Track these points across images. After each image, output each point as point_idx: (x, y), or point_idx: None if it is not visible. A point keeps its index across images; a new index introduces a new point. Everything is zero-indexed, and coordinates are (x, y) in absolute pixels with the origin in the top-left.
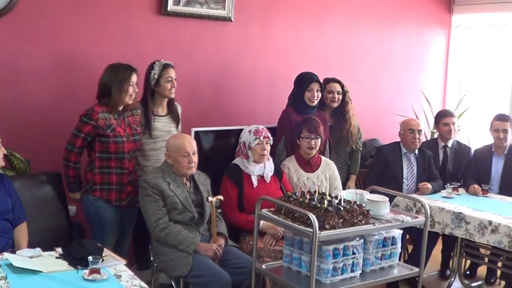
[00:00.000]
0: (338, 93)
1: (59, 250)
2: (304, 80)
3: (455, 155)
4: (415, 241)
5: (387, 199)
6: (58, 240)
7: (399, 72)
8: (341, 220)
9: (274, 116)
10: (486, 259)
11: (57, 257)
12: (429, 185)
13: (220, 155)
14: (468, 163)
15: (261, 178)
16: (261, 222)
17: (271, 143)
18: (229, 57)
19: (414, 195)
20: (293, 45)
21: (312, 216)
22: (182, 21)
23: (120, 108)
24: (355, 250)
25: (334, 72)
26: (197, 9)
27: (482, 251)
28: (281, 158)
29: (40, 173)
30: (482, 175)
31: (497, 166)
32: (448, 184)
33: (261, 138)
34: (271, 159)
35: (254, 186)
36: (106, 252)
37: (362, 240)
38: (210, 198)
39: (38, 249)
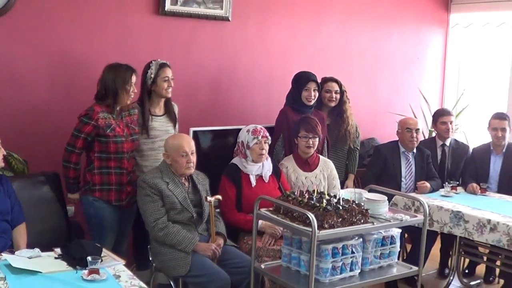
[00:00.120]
0: (336, 93)
1: (58, 250)
2: (301, 80)
3: (453, 153)
4: (414, 240)
5: (386, 198)
6: (57, 240)
7: (397, 71)
8: (340, 219)
9: (272, 116)
10: (485, 258)
11: (56, 258)
12: (427, 184)
13: (218, 154)
14: (467, 161)
15: (259, 177)
16: (260, 221)
17: (270, 142)
18: (226, 57)
19: (413, 194)
20: (291, 44)
21: (311, 215)
22: (180, 21)
23: (118, 108)
24: (354, 249)
25: (331, 71)
26: (194, 9)
27: (481, 249)
28: (279, 158)
29: (38, 174)
30: (481, 173)
31: (496, 164)
32: (446, 183)
33: (260, 137)
34: (269, 159)
35: (253, 185)
36: (105, 252)
37: (361, 239)
38: (208, 198)
39: (37, 250)
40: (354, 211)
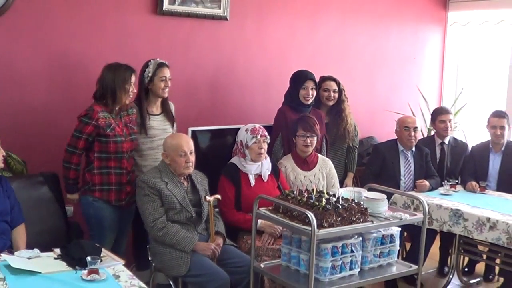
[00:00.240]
0: (334, 91)
1: (57, 250)
2: (298, 78)
3: (452, 152)
4: (413, 239)
5: (385, 196)
6: (56, 240)
7: (395, 70)
8: (339, 218)
9: (271, 115)
10: (484, 256)
11: (55, 258)
12: (426, 182)
13: (217, 154)
14: (465, 160)
15: (258, 177)
16: (259, 221)
17: (268, 141)
18: (225, 56)
19: (412, 193)
20: (289, 43)
21: (310, 215)
22: (178, 20)
23: (117, 108)
24: (353, 248)
25: (330, 70)
26: (192, 8)
27: (480, 248)
28: (278, 157)
29: (37, 174)
30: (480, 172)
31: (495, 162)
32: (445, 181)
33: (258, 136)
34: (268, 158)
35: (252, 185)
36: (105, 252)
37: (360, 238)
38: (207, 198)
39: (36, 250)
40: (354, 210)
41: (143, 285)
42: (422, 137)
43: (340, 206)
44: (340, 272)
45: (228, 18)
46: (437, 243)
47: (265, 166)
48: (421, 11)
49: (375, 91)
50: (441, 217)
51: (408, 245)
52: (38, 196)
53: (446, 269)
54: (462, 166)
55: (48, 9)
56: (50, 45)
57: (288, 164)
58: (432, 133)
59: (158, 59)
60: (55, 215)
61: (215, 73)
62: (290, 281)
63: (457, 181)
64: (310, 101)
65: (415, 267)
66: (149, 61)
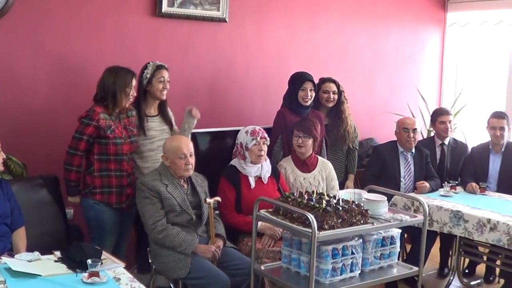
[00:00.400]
0: (333, 93)
1: (58, 253)
2: (297, 80)
3: (452, 153)
4: (414, 240)
5: (385, 198)
6: (56, 243)
7: (394, 71)
8: (340, 220)
9: (270, 117)
10: (485, 257)
11: (55, 261)
12: (426, 184)
13: (217, 156)
14: (465, 161)
15: (258, 179)
16: (259, 223)
17: (268, 143)
18: (224, 58)
19: (412, 194)
20: (288, 45)
21: (311, 217)
22: (177, 23)
23: (117, 111)
24: (354, 250)
25: (329, 72)
26: (191, 10)
27: (481, 249)
28: (278, 159)
29: (37, 177)
30: (480, 173)
31: (495, 163)
32: (446, 182)
33: (258, 138)
34: (268, 160)
35: (252, 187)
36: (105, 255)
37: (361, 240)
38: (208, 200)
39: (37, 253)
40: (354, 212)
41: (143, 287)
42: (421, 138)
43: (340, 208)
44: (341, 274)
45: (227, 20)
46: (437, 245)
47: (265, 168)
48: (420, 12)
49: (374, 92)
50: (442, 219)
51: (408, 247)
52: (38, 199)
53: (446, 270)
54: (462, 167)
55: (47, 11)
56: (50, 47)
57: (287, 166)
58: (432, 134)
59: (157, 61)
60: (55, 217)
61: (214, 75)
62: (290, 283)
63: (457, 182)
64: (309, 102)
65: (415, 268)
66: (148, 63)
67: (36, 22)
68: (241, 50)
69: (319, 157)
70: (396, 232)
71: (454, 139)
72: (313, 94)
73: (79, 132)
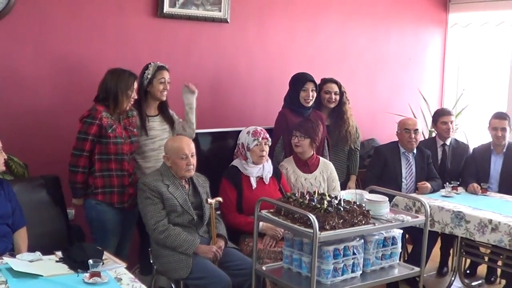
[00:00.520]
0: (335, 94)
1: (59, 253)
2: (299, 80)
3: (453, 153)
4: (415, 241)
5: (387, 199)
6: (57, 243)
7: (396, 72)
8: (341, 221)
9: (272, 117)
10: (486, 258)
11: (57, 261)
12: (428, 184)
13: (218, 157)
14: (467, 161)
15: (260, 179)
16: (261, 223)
17: (270, 144)
18: (225, 59)
19: (414, 195)
20: (290, 45)
21: (312, 217)
22: (178, 23)
23: (117, 111)
24: (355, 251)
25: (330, 72)
26: (193, 11)
27: (482, 250)
28: (279, 160)
29: (38, 177)
30: (481, 173)
31: (496, 164)
32: (447, 183)
33: (260, 139)
34: (269, 160)
35: (253, 187)
36: (106, 255)
37: (362, 240)
38: (209, 200)
39: (38, 253)
40: (355, 212)
41: None
42: (422, 139)
43: (342, 209)
44: (342, 274)
45: (228, 20)
46: (438, 244)
47: (266, 168)
48: (421, 13)
49: (376, 93)
50: (443, 219)
51: (409, 247)
52: (40, 199)
53: (445, 269)
54: (463, 168)
55: (48, 12)
56: (51, 48)
57: (289, 166)
58: (433, 134)
59: (158, 62)
60: (57, 218)
61: (216, 75)
62: (292, 284)
63: (458, 183)
64: (311, 103)
65: (417, 269)
66: (149, 63)
67: (37, 22)
68: (243, 50)
69: (321, 158)
70: (397, 233)
71: (456, 140)
72: (315, 95)
73: (83, 132)
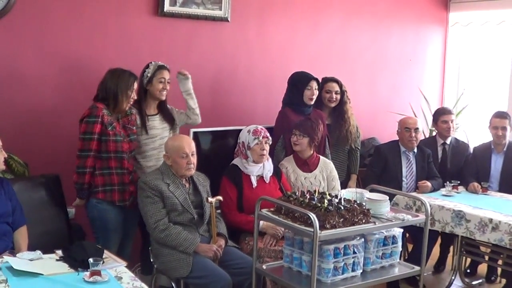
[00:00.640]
0: (336, 93)
1: (59, 252)
2: (303, 79)
3: (453, 152)
4: (415, 240)
5: (387, 197)
6: (58, 242)
7: (396, 71)
8: (342, 219)
9: (272, 116)
10: (487, 257)
11: (57, 260)
12: (428, 183)
13: (219, 155)
14: (467, 160)
15: (260, 178)
16: (261, 222)
17: (270, 143)
18: (226, 58)
19: (414, 194)
20: (290, 44)
21: (313, 216)
22: (179, 22)
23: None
24: (355, 249)
25: (331, 72)
26: (193, 10)
27: (483, 249)
28: (280, 158)
29: (39, 176)
30: (482, 172)
31: (497, 163)
32: (447, 182)
33: (260, 138)
34: (270, 159)
35: (254, 186)
36: (106, 254)
37: (362, 239)
38: (209, 199)
39: (38, 252)
40: (356, 211)
41: (145, 286)
42: (423, 138)
43: (342, 207)
44: (342, 273)
45: (229, 19)
46: (437, 241)
47: (267, 167)
48: (422, 12)
49: (376, 92)
50: (443, 218)
51: (410, 246)
52: (40, 198)
53: (442, 266)
54: (463, 167)
55: (49, 11)
56: (52, 47)
57: (289, 165)
58: (434, 133)
59: (159, 61)
60: (57, 217)
61: (217, 74)
62: (292, 283)
63: (459, 182)
64: (313, 101)
65: (417, 268)
66: (150, 62)
67: (38, 21)
68: (244, 49)
69: (321, 157)
70: (398, 232)
71: (456, 139)
72: (317, 93)
73: (88, 132)
